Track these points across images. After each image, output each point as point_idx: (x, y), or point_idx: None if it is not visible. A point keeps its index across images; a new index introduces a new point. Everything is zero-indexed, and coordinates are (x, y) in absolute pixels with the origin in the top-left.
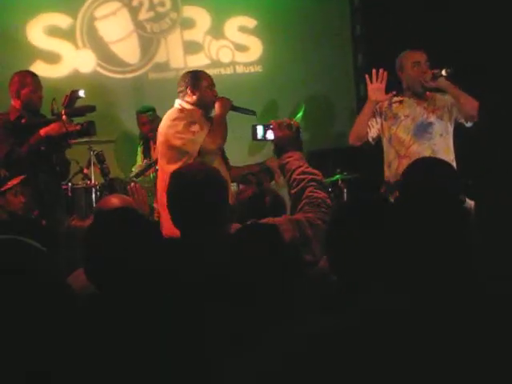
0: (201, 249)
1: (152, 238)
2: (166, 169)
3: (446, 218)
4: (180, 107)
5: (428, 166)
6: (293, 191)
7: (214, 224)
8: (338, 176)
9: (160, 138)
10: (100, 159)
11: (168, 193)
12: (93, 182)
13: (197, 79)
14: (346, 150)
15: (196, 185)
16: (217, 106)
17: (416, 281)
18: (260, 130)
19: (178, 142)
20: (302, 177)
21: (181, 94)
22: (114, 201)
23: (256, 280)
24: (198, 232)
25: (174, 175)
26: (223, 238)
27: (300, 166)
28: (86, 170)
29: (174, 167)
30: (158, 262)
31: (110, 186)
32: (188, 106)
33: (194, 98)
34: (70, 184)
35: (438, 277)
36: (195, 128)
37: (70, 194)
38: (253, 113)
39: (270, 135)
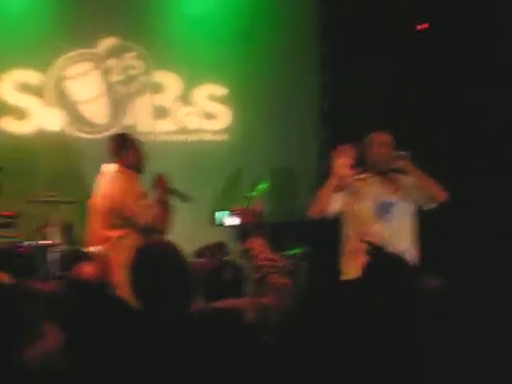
0: (163, 327)
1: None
2: (108, 234)
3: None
4: (119, 170)
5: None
6: (256, 276)
7: (179, 302)
8: (297, 249)
9: (105, 202)
10: (68, 230)
11: (133, 269)
12: (53, 240)
13: (127, 141)
14: (307, 223)
15: (163, 262)
16: (158, 187)
17: None
18: (219, 215)
19: (127, 214)
20: (265, 263)
21: (114, 158)
22: (88, 270)
23: (215, 364)
24: (161, 310)
25: (141, 251)
26: (186, 317)
27: (263, 252)
28: (46, 228)
29: (117, 233)
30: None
31: (75, 256)
32: (124, 169)
33: (127, 159)
34: (29, 242)
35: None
36: (144, 202)
37: (29, 251)
38: (188, 199)
39: (229, 221)
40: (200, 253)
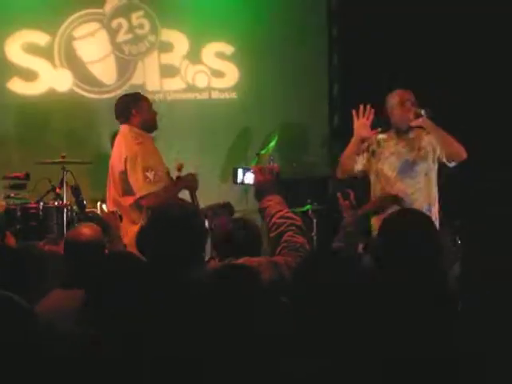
0: (177, 287)
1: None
2: (121, 201)
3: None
4: (131, 131)
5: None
6: (272, 235)
7: (194, 262)
8: (308, 206)
9: (117, 166)
10: (76, 192)
11: (147, 228)
12: (65, 201)
13: (137, 99)
14: (318, 180)
15: (179, 223)
16: (184, 180)
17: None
18: (240, 173)
19: (131, 180)
20: (281, 221)
21: (123, 118)
22: (85, 231)
23: (232, 324)
24: (175, 267)
25: (156, 212)
26: (200, 277)
27: (280, 211)
28: (58, 190)
29: (129, 200)
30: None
31: (85, 218)
32: (137, 130)
33: (138, 118)
34: (41, 203)
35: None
36: (150, 175)
37: (41, 212)
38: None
39: (249, 179)
40: (203, 213)
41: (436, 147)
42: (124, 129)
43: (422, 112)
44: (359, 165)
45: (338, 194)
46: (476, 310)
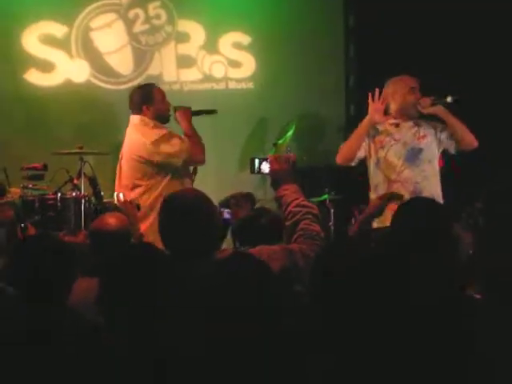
0: (188, 275)
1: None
2: (138, 183)
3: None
4: (143, 120)
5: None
6: (288, 223)
7: (205, 250)
8: (325, 196)
9: (133, 152)
10: (94, 183)
11: (161, 217)
12: (82, 192)
13: (149, 94)
14: (336, 169)
15: (190, 210)
16: (178, 117)
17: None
18: (257, 162)
19: (162, 158)
20: (297, 209)
21: (135, 111)
22: (111, 221)
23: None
24: (188, 257)
25: (168, 200)
26: (210, 265)
27: (296, 199)
28: (76, 181)
29: (148, 182)
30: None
31: (103, 208)
32: (147, 119)
33: (150, 113)
34: (59, 194)
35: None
36: (175, 141)
37: (59, 203)
38: (213, 111)
39: (266, 168)
40: (226, 202)
41: (441, 135)
42: (135, 119)
43: (448, 99)
44: (362, 151)
45: (355, 212)
46: (486, 302)
